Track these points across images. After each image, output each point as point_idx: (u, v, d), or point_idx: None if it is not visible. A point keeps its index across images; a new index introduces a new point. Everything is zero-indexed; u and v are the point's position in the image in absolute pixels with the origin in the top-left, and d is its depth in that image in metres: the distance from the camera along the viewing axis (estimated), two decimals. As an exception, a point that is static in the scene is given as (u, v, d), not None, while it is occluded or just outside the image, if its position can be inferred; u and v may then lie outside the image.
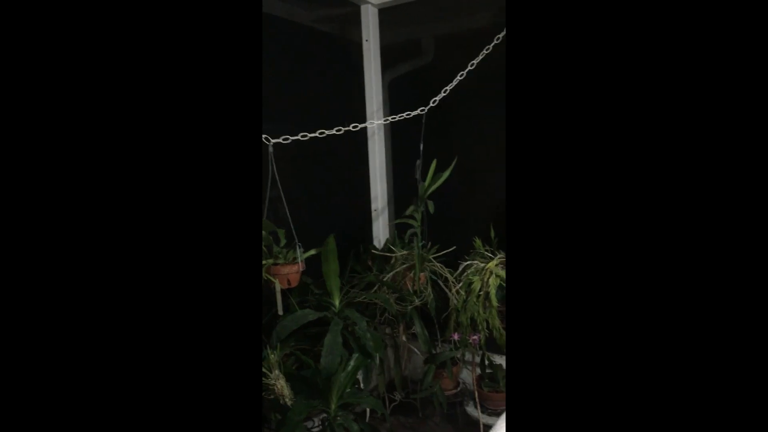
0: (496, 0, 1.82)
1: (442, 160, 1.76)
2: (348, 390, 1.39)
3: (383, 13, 2.05)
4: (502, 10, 1.80)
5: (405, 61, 2.12)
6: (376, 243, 2.18)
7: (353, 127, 1.43)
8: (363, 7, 2.01)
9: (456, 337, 1.70)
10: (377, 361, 1.53)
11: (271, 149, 1.32)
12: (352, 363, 1.39)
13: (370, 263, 1.93)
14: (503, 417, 0.89)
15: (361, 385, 1.60)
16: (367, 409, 1.77)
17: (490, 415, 1.79)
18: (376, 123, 1.93)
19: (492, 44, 1.57)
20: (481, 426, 1.78)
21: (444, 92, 1.54)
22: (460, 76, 1.55)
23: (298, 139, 1.38)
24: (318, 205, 2.02)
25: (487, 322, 1.65)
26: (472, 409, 1.83)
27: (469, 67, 1.55)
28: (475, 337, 1.67)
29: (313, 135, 1.39)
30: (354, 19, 2.06)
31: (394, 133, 2.18)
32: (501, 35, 1.56)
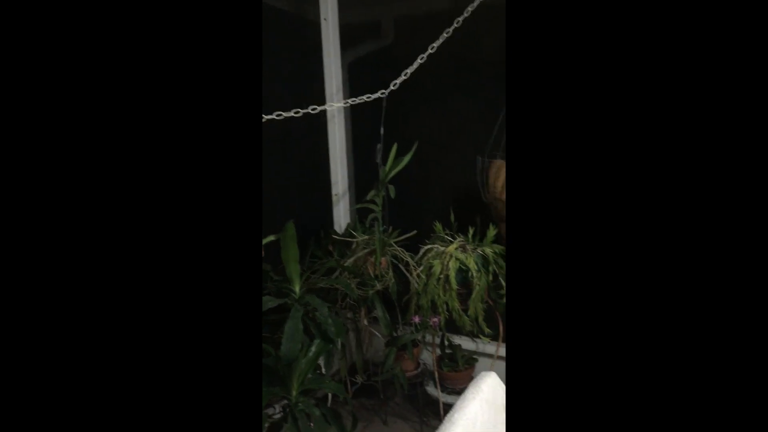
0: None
1: (402, 144, 1.76)
2: (309, 376, 1.39)
3: (342, -9, 1.99)
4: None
5: (365, 42, 2.08)
6: (336, 228, 2.16)
7: (312, 109, 1.39)
8: (321, -15, 1.95)
9: (417, 319, 1.72)
10: (339, 346, 1.53)
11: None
12: (313, 349, 1.38)
13: (330, 248, 1.92)
14: (463, 396, 0.91)
15: (323, 370, 1.60)
16: (329, 394, 1.78)
17: (449, 393, 1.85)
18: (335, 105, 1.89)
19: (452, 27, 1.56)
20: (441, 405, 1.84)
21: (404, 75, 1.52)
22: (421, 60, 1.53)
23: (255, 121, 1.32)
24: (277, 189, 1.97)
25: (447, 305, 1.69)
26: (432, 389, 1.88)
27: (430, 50, 1.54)
28: (435, 319, 1.70)
29: (270, 117, 1.34)
30: (311, -3, 1.99)
31: (354, 116, 2.15)
32: (461, 18, 1.56)
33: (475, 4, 1.57)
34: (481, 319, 1.70)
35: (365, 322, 1.84)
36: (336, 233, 2.00)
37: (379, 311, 1.72)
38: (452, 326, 1.81)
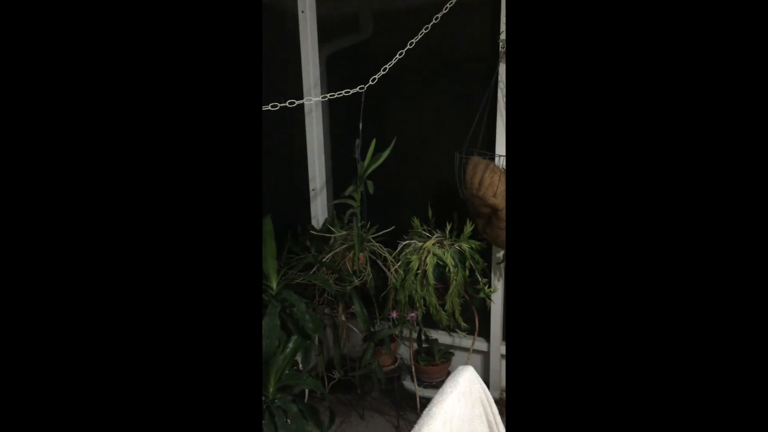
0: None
1: (380, 139, 1.75)
2: (287, 372, 1.38)
3: (320, -17, 1.97)
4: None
5: (343, 35, 2.06)
6: (314, 223, 2.14)
7: (290, 103, 1.37)
8: (299, -24, 1.92)
9: (394, 315, 1.73)
10: (316, 342, 1.52)
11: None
12: (290, 345, 1.38)
13: (308, 244, 1.90)
14: (441, 390, 0.93)
15: (300, 365, 1.59)
16: (306, 390, 1.77)
17: (426, 387, 1.87)
18: (314, 100, 1.87)
19: (431, 24, 1.56)
20: (418, 398, 1.86)
21: (383, 71, 1.52)
22: (399, 55, 1.53)
23: (230, 115, 1.29)
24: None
25: (424, 300, 1.70)
26: (409, 383, 1.90)
27: (409, 46, 1.54)
28: (412, 314, 1.72)
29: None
30: (289, -12, 1.96)
31: (332, 110, 2.13)
32: (439, 15, 1.56)
33: (454, 0, 1.57)
34: (457, 313, 1.72)
35: (343, 317, 1.84)
36: (314, 228, 1.99)
37: (356, 306, 1.72)
38: (429, 321, 1.83)
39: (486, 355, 1.99)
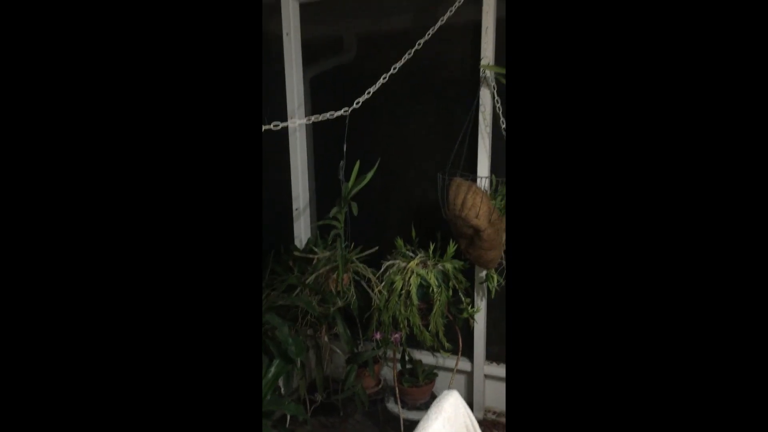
0: (415, 2, 1.86)
1: (364, 160, 1.77)
2: (268, 397, 1.35)
3: (304, 7, 2.00)
4: (421, 12, 1.85)
5: (327, 57, 2.09)
6: (297, 242, 2.13)
7: (274, 126, 1.38)
8: (284, 1, 1.94)
9: (378, 336, 1.72)
10: (299, 365, 1.50)
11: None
12: (272, 370, 1.35)
13: (291, 264, 1.89)
14: (426, 416, 0.92)
15: (282, 389, 1.56)
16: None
17: (410, 409, 1.85)
18: (298, 122, 1.88)
19: (413, 49, 1.60)
20: (402, 421, 1.84)
21: (367, 94, 1.54)
22: (383, 79, 1.56)
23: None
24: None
25: (408, 320, 1.70)
26: (392, 405, 1.88)
27: (392, 71, 1.57)
28: (396, 335, 1.71)
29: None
30: (274, 11, 1.98)
31: (316, 130, 2.14)
32: (422, 41, 1.60)
33: (436, 26, 1.62)
34: (441, 334, 1.72)
35: (326, 338, 1.82)
36: (297, 249, 1.98)
37: (340, 328, 1.70)
38: (413, 341, 1.83)
39: (470, 376, 1.99)
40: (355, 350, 1.78)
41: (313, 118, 1.50)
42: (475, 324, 1.89)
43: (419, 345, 1.84)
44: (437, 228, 1.83)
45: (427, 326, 1.72)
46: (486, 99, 1.72)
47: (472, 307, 1.82)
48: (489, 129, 1.74)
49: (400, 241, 1.84)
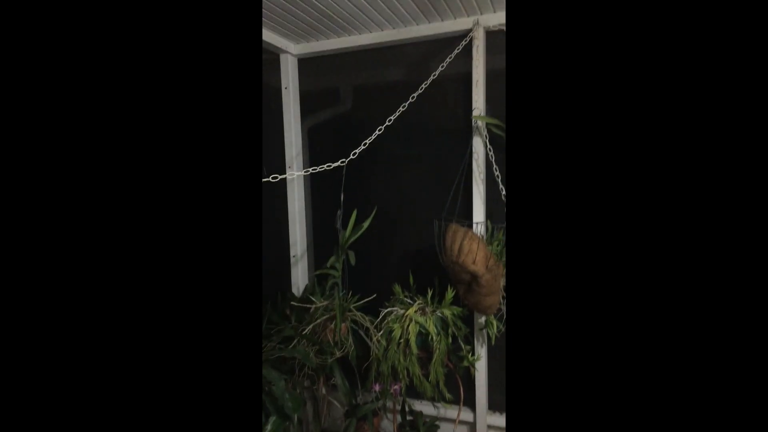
0: (409, 56, 1.95)
1: (361, 207, 1.79)
2: (264, 457, 1.30)
3: (302, 62, 2.08)
4: (414, 65, 1.93)
5: (324, 108, 2.16)
6: (294, 290, 2.12)
7: (273, 178, 1.40)
8: (282, 56, 2.03)
9: (377, 388, 1.68)
10: (295, 421, 1.45)
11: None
12: (269, 427, 1.31)
13: (288, 313, 1.87)
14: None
15: (279, 447, 1.50)
16: (285, 473, 1.66)
17: (411, 464, 1.78)
18: (296, 174, 1.92)
19: (408, 102, 1.66)
20: (403, 477, 1.76)
21: (364, 145, 1.58)
22: (379, 131, 1.61)
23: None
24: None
25: (408, 370, 1.67)
26: (393, 460, 1.81)
27: (387, 122, 1.62)
28: (396, 386, 1.67)
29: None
30: (273, 66, 2.07)
31: (313, 178, 2.18)
32: (416, 94, 1.67)
33: (429, 81, 1.69)
34: (442, 383, 1.69)
35: (323, 390, 1.77)
36: (294, 296, 1.96)
37: (338, 379, 1.67)
38: (413, 392, 1.78)
39: (472, 427, 1.93)
40: (354, 402, 1.73)
41: (310, 170, 1.54)
42: (476, 372, 1.85)
43: (420, 395, 1.80)
44: (435, 274, 1.83)
45: (427, 376, 1.68)
46: (479, 147, 1.77)
47: (473, 354, 1.79)
48: (483, 176, 1.78)
49: (398, 288, 1.84)
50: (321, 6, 1.64)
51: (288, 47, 1.99)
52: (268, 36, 1.85)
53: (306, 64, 2.09)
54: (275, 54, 2.02)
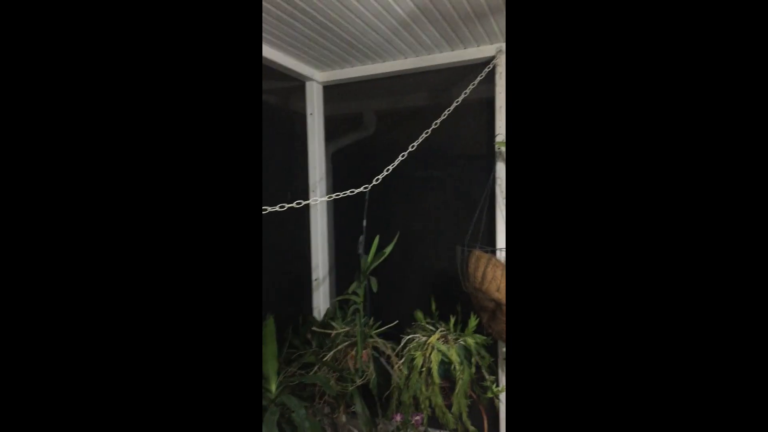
0: (431, 82, 1.97)
1: (383, 232, 1.79)
2: (283, 487, 1.28)
3: (327, 89, 2.13)
4: (436, 90, 1.95)
5: (347, 133, 2.19)
6: (316, 313, 2.12)
7: (297, 203, 1.42)
8: (308, 84, 2.08)
9: (399, 418, 1.65)
10: (315, 450, 1.43)
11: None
12: (288, 457, 1.29)
13: (309, 337, 1.86)
14: None
15: (297, 476, 1.47)
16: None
17: (433, 499, 1.72)
18: (319, 200, 1.94)
19: (431, 128, 1.67)
20: None
21: (386, 171, 1.59)
22: (402, 156, 1.62)
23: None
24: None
25: (430, 400, 1.63)
26: (414, 494, 1.75)
27: (411, 148, 1.63)
28: (417, 417, 1.63)
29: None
30: (299, 93, 2.12)
31: (336, 202, 2.20)
32: (438, 120, 1.68)
33: (452, 107, 1.69)
34: (465, 415, 1.64)
35: (343, 418, 1.74)
36: (315, 321, 1.96)
37: (358, 407, 1.64)
38: (435, 423, 1.73)
39: (496, 461, 1.86)
40: (374, 431, 1.69)
41: (333, 196, 1.55)
42: (501, 404, 1.79)
43: (442, 426, 1.75)
44: (457, 301, 1.80)
45: (449, 407, 1.64)
46: (502, 172, 1.75)
47: (497, 385, 1.74)
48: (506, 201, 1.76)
49: (419, 314, 1.81)
50: (346, 36, 1.68)
51: (314, 75, 2.04)
52: (294, 64, 1.91)
53: (330, 90, 2.14)
54: (301, 81, 2.07)
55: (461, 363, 1.62)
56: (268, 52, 1.76)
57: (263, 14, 1.50)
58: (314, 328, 1.83)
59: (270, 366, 1.39)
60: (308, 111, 2.11)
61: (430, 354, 1.64)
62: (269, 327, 1.36)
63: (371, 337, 1.69)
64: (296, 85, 2.10)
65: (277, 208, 1.41)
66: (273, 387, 1.40)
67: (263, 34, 1.65)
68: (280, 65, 1.84)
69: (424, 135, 1.65)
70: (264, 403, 1.35)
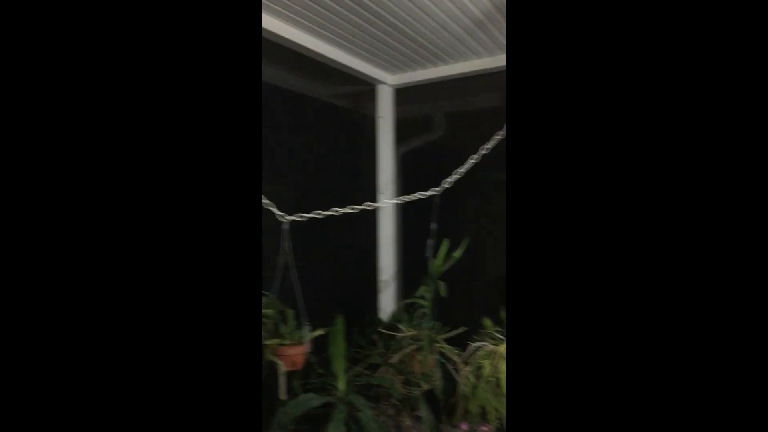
0: (502, 83, 1.90)
1: (452, 235, 1.76)
2: (349, 485, 1.30)
3: (398, 91, 2.14)
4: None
5: (417, 135, 2.19)
6: (382, 315, 2.13)
7: (367, 205, 1.44)
8: (380, 87, 2.10)
9: (465, 427, 1.61)
10: (381, 451, 1.44)
11: (285, 226, 1.32)
12: (355, 455, 1.31)
13: (375, 338, 1.88)
14: None
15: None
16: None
17: None
18: (389, 202, 1.95)
19: (502, 131, 1.61)
20: None
21: (457, 174, 1.57)
22: (473, 160, 1.58)
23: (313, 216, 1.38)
24: (326, 275, 1.99)
25: (498, 411, 1.57)
26: (479, 506, 1.70)
27: (482, 152, 1.58)
28: (484, 428, 1.58)
29: (328, 213, 1.40)
30: (369, 96, 2.15)
31: (404, 204, 2.20)
32: (513, 122, 1.62)
33: (527, 108, 1.62)
34: (535, 430, 1.56)
35: (408, 422, 1.74)
36: (381, 321, 1.97)
37: (424, 412, 1.62)
38: (503, 435, 1.67)
39: (568, 481, 1.75)
40: (439, 437, 1.67)
41: (403, 198, 1.55)
42: (575, 421, 1.69)
43: (509, 439, 1.68)
44: (529, 310, 1.72)
45: (518, 420, 1.57)
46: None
47: (571, 401, 1.64)
48: (586, 207, 1.65)
49: (488, 322, 1.76)
50: (418, 37, 1.67)
51: (385, 78, 2.06)
52: (365, 68, 1.93)
53: (401, 92, 2.14)
54: (372, 85, 2.10)
55: (532, 375, 1.55)
56: (339, 55, 1.80)
57: (334, 16, 1.53)
58: (380, 330, 1.84)
59: (338, 365, 1.42)
60: (379, 114, 2.13)
61: (499, 363, 1.59)
62: (338, 326, 1.39)
63: (438, 342, 1.67)
64: (367, 88, 2.13)
65: (348, 210, 1.44)
66: (341, 385, 1.43)
67: (336, 38, 1.69)
68: (352, 69, 1.87)
69: (496, 137, 1.60)
70: (332, 400, 1.38)
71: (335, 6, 1.44)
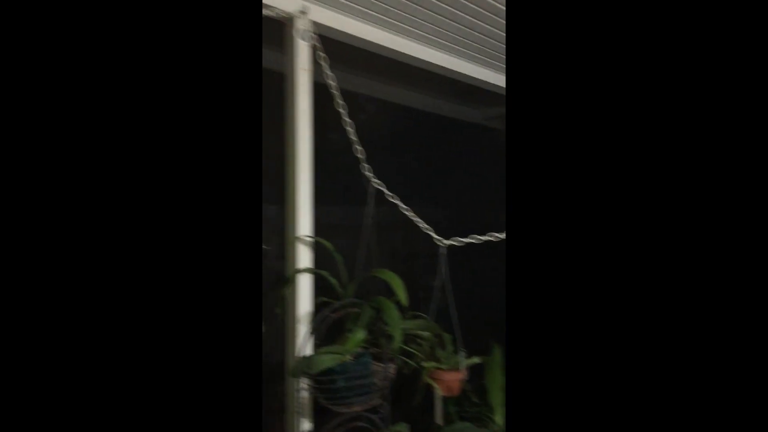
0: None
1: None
2: None
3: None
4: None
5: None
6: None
7: (494, 238, 1.37)
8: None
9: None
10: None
11: (443, 251, 1.33)
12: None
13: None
14: None
15: None
16: None
17: None
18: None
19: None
20: None
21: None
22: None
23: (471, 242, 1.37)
24: (480, 301, 1.95)
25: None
26: None
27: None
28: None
29: (485, 238, 1.37)
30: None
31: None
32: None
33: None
34: None
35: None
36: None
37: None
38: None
39: None
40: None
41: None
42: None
43: None
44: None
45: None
46: None
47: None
48: None
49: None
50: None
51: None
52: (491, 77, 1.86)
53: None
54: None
55: None
56: (484, 74, 1.77)
57: (488, 39, 1.51)
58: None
59: (496, 397, 1.36)
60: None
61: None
62: (496, 357, 1.34)
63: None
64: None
65: (488, 237, 1.39)
66: (498, 419, 1.36)
67: (486, 59, 1.67)
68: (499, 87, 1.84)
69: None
70: (489, 433, 1.33)
71: (488, 27, 1.43)
